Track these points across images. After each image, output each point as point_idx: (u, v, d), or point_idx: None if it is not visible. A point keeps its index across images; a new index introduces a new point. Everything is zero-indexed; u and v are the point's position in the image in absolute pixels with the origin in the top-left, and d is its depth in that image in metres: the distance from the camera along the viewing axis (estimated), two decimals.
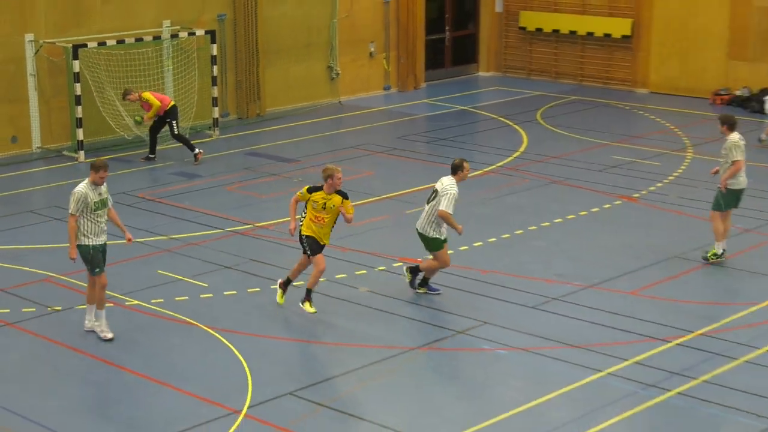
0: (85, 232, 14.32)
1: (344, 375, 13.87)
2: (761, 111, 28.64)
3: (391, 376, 13.96)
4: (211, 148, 25.06)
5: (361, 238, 19.01)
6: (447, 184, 16.07)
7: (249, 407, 12.88)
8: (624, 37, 31.75)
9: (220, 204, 20.86)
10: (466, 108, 29.92)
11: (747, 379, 13.54)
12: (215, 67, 26.67)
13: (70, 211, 14.29)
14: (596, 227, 19.70)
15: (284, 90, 28.73)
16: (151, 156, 24.26)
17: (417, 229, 16.26)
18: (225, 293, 16.34)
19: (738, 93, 29.72)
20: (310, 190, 15.39)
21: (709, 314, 15.55)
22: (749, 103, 29.14)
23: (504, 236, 19.08)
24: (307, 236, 15.43)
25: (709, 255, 17.50)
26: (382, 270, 17.56)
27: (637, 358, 14.19)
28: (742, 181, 17.48)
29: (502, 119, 28.36)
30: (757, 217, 19.83)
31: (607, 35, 32.05)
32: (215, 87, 26.70)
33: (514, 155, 24.53)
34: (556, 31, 33.04)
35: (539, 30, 33.38)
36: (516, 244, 18.77)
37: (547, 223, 19.72)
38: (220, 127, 26.70)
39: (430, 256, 16.23)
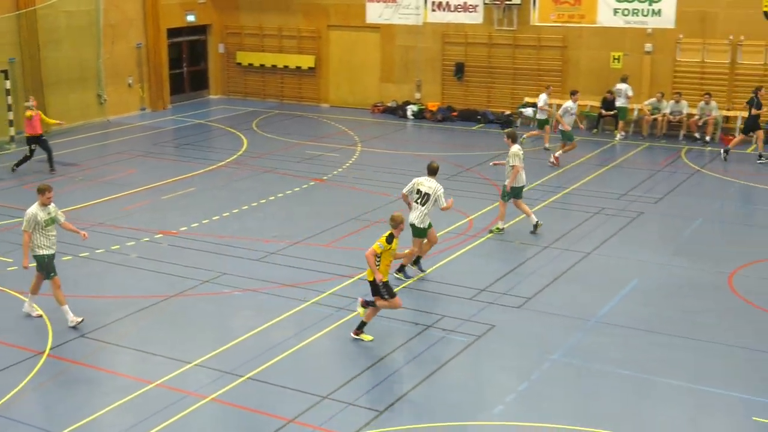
0: (39, 245, 12.83)
1: (125, 318, 13.31)
2: (405, 116, 29.51)
3: (158, 315, 13.51)
4: (9, 158, 23.38)
5: (130, 218, 18.28)
6: (433, 185, 14.43)
7: (51, 348, 12.19)
8: (310, 68, 31.88)
9: (17, 199, 19.50)
10: (201, 121, 29.28)
11: (406, 299, 13.84)
12: (9, 97, 25.09)
13: (22, 228, 12.81)
14: (298, 201, 19.71)
15: (65, 112, 27.18)
16: None
17: (414, 224, 14.41)
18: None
19: (389, 104, 30.45)
20: (389, 241, 12.16)
21: None
22: (396, 111, 29.95)
23: (234, 211, 18.79)
24: (386, 282, 12.34)
25: (494, 229, 17.01)
26: (146, 240, 16.93)
27: (332, 290, 14.31)
28: (521, 179, 16.94)
29: (228, 128, 27.91)
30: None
31: (299, 67, 32.10)
32: (11, 112, 25.05)
33: (238, 153, 24.20)
34: (262, 65, 32.82)
35: (251, 64, 33.04)
36: (243, 216, 18.52)
37: (264, 200, 19.57)
38: (16, 141, 25.03)
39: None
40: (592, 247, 16.33)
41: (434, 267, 15.34)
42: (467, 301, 13.92)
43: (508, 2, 27.96)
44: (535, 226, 16.98)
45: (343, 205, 19.26)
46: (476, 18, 28.94)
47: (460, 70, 29.45)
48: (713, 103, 25.09)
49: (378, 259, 12.17)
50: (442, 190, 14.56)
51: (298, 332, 12.77)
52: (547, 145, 24.59)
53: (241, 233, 17.33)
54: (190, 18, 32.38)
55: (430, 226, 14.69)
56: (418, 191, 14.55)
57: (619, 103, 25.98)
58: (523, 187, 17.20)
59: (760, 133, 23.05)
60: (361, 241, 16.63)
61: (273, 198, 19.83)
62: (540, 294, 14.14)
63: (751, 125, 23.14)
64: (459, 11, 29.16)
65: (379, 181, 21.07)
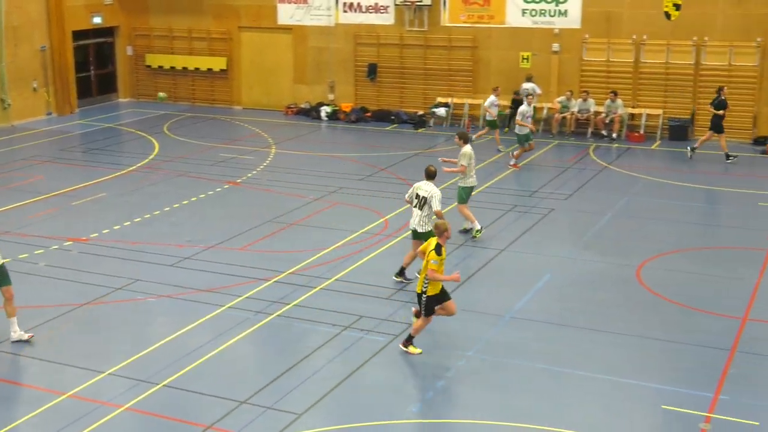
0: None
1: (35, 328, 12.93)
2: (318, 117, 29.45)
3: (70, 324, 13.19)
4: None
5: (38, 226, 17.80)
6: (430, 189, 14.10)
7: None
8: (222, 70, 31.53)
9: None
10: (111, 125, 28.66)
11: (324, 300, 13.93)
12: None
13: None
14: (212, 205, 19.49)
15: None
16: None
17: (416, 230, 14.15)
18: None
19: (302, 106, 30.33)
20: (440, 252, 11.66)
21: (295, 258, 15.81)
22: (310, 112, 29.85)
23: (146, 216, 18.47)
24: (432, 297, 11.91)
25: (475, 232, 16.79)
26: (56, 248, 16.51)
27: (248, 294, 14.20)
28: (471, 181, 16.76)
29: (138, 132, 27.41)
30: (325, 190, 20.41)
31: (210, 69, 31.71)
32: None
33: (150, 157, 23.78)
34: (173, 67, 32.32)
35: (161, 67, 32.51)
36: (156, 222, 18.22)
37: (177, 205, 19.28)
38: None
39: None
40: (506, 244, 16.58)
41: (351, 267, 15.37)
42: (385, 300, 13.98)
43: (418, 3, 28.18)
44: (478, 231, 16.84)
45: (258, 207, 19.12)
46: (387, 19, 29.08)
47: (372, 71, 29.55)
48: (619, 101, 25.75)
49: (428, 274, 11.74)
50: (439, 194, 14.19)
51: (215, 338, 12.63)
52: (500, 147, 24.62)
53: (154, 239, 17.04)
54: (97, 20, 31.70)
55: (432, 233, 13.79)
56: (417, 195, 14.30)
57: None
58: (473, 187, 17.11)
59: (723, 137, 23.17)
60: (274, 243, 16.54)
61: (186, 202, 19.55)
62: (455, 292, 14.28)
63: (715, 125, 23.14)
64: (370, 12, 29.25)
65: (293, 183, 20.99)
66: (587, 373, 11.59)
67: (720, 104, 23.11)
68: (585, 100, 26.21)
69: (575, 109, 26.45)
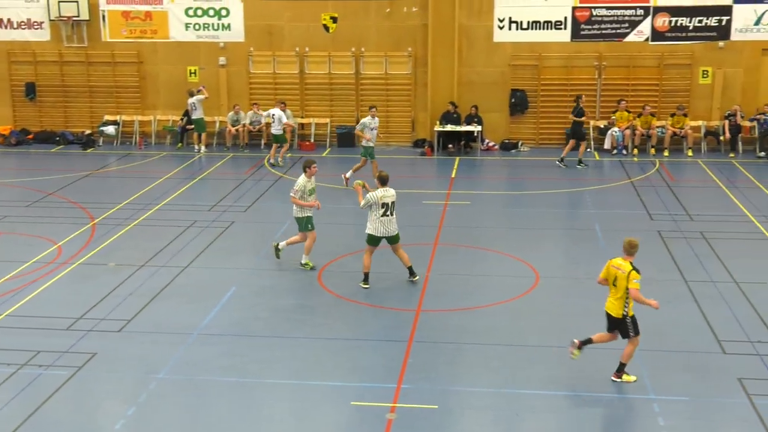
0: None
1: None
2: None
3: None
4: None
5: None
6: (393, 192, 14.99)
7: None
8: None
9: None
10: None
11: None
12: None
13: None
14: None
15: None
16: None
17: (398, 234, 15.02)
18: None
19: None
20: (638, 270, 11.12)
21: None
22: None
23: None
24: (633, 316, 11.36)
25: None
26: None
27: None
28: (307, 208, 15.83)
29: None
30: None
31: None
32: None
33: None
34: None
35: None
36: None
37: None
38: None
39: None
40: (189, 261, 16.40)
41: (23, 300, 14.38)
42: (64, 332, 13.24)
43: (75, 18, 26.99)
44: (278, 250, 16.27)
45: None
46: (43, 35, 27.60)
47: (31, 90, 27.87)
48: (288, 111, 26.43)
49: (627, 293, 11.17)
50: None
51: None
52: (278, 158, 24.38)
53: None
54: None
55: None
56: (385, 204, 14.72)
57: (195, 116, 26.25)
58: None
59: (582, 144, 23.98)
60: None
61: None
62: (140, 314, 13.90)
63: (574, 132, 23.81)
64: (23, 28, 27.58)
65: None
66: (276, 380, 11.78)
67: (580, 112, 23.68)
68: (256, 112, 26.58)
69: (246, 121, 26.74)
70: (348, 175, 21.88)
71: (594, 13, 25.83)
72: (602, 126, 26.10)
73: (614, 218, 19.09)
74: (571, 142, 24.08)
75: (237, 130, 26.78)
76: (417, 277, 15.34)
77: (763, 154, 25.05)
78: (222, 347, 12.80)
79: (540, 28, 26.08)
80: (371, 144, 22.03)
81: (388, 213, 14.87)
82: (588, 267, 16.00)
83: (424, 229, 18.41)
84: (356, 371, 12.13)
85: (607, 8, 25.75)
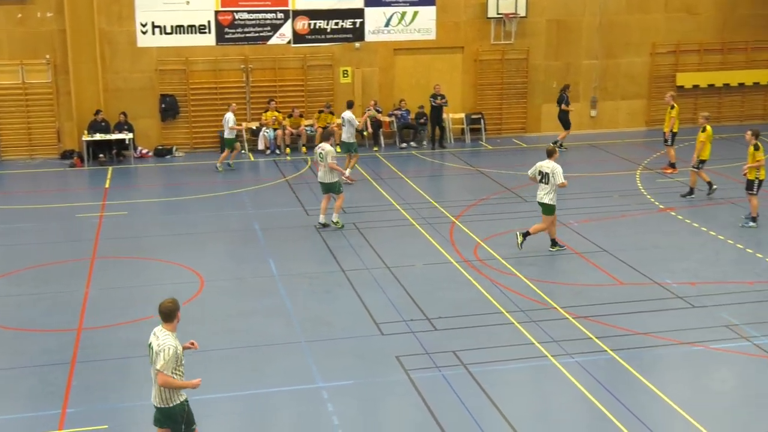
0: None
1: None
2: None
3: None
4: None
5: None
6: (552, 165, 16.40)
7: None
8: None
9: None
10: None
11: None
12: None
13: None
14: None
15: None
16: None
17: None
18: None
19: None
20: None
21: None
22: None
23: None
24: None
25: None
26: None
27: None
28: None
29: None
30: None
31: None
32: None
33: None
34: None
35: None
36: None
37: None
38: None
39: None
40: None
41: None
42: None
43: None
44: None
45: None
46: None
47: None
48: None
49: None
50: (560, 168, 16.49)
51: None
52: (224, 162, 24.02)
53: None
54: None
55: None
56: (540, 172, 16.50)
57: None
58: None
59: (564, 133, 26.33)
60: None
61: None
62: None
63: (563, 120, 26.44)
64: None
65: None
66: None
67: (565, 101, 26.43)
68: None
69: None
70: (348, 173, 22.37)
71: (237, 17, 26.17)
72: (254, 127, 26.55)
73: (273, 217, 19.54)
74: (565, 131, 26.65)
75: None
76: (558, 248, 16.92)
77: (404, 145, 26.98)
78: None
79: (185, 33, 25.90)
80: (353, 140, 22.91)
81: (542, 180, 16.56)
82: (252, 266, 16.27)
83: (79, 244, 17.59)
84: (16, 402, 11.31)
85: (249, 12, 26.21)
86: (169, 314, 9.03)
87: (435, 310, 14.10)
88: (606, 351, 12.56)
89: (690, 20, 28.94)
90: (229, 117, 23.77)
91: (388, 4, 27.02)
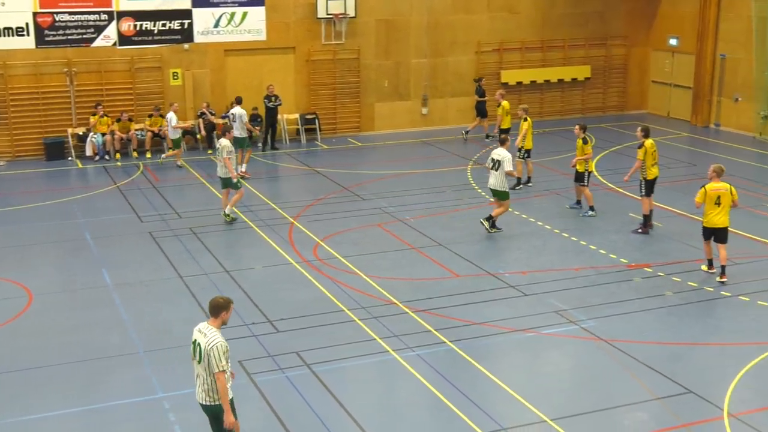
0: None
1: None
2: None
3: None
4: None
5: None
6: (503, 153, 17.46)
7: None
8: None
9: None
10: None
11: None
12: None
13: None
14: None
15: None
16: None
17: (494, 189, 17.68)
18: None
19: None
20: None
21: None
22: None
23: None
24: None
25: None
26: None
27: None
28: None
29: None
30: None
31: None
32: None
33: None
34: None
35: None
36: None
37: None
38: None
39: None
40: None
41: None
42: None
43: None
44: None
45: None
46: None
47: None
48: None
49: None
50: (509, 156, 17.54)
51: None
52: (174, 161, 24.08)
53: None
54: None
55: None
56: (492, 159, 17.82)
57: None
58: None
59: (486, 121, 27.86)
60: None
61: None
62: None
63: (480, 110, 27.91)
64: None
65: None
66: None
67: (482, 93, 27.95)
68: None
69: None
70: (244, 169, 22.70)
71: (57, 19, 25.07)
72: (81, 133, 25.54)
73: (105, 225, 18.87)
74: (477, 119, 27.96)
75: None
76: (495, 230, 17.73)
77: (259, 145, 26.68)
78: None
79: (2, 35, 24.61)
80: (245, 135, 23.26)
81: (493, 168, 17.53)
82: (84, 277, 15.67)
83: None
84: None
85: (71, 13, 25.16)
86: (215, 309, 8.85)
87: (276, 312, 14.05)
88: (445, 342, 12.89)
89: (511, 19, 30.08)
90: (171, 116, 24.12)
91: (217, 5, 26.64)
